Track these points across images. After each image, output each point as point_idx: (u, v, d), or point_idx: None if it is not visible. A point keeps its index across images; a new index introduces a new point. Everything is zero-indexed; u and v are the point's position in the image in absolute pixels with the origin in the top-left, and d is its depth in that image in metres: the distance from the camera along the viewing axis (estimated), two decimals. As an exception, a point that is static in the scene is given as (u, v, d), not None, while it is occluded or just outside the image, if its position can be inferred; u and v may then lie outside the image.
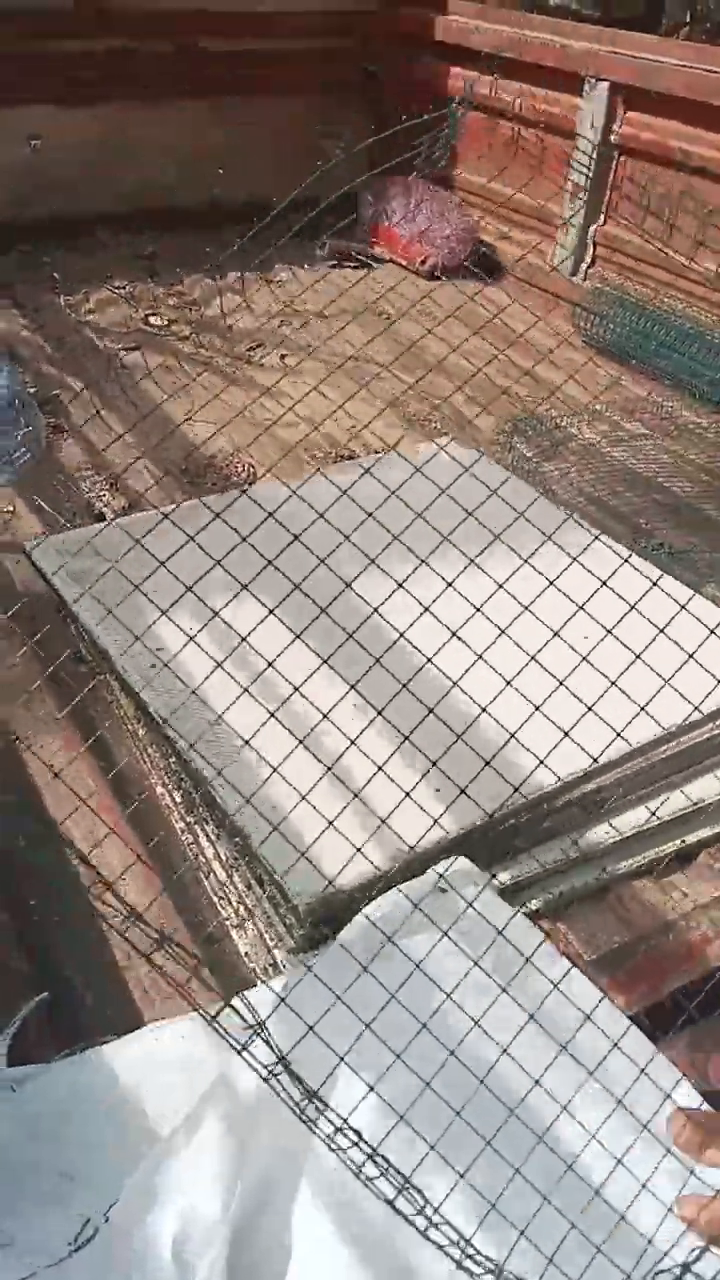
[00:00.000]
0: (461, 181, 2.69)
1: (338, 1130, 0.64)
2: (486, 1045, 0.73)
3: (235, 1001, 0.71)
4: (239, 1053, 0.66)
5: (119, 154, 2.58)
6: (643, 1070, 0.73)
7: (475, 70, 2.55)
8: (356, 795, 0.83)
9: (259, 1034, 0.66)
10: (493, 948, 0.80)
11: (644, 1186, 0.67)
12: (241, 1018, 0.71)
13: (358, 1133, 0.64)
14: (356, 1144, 0.63)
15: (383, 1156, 0.62)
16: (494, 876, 0.91)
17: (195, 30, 2.51)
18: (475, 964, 0.75)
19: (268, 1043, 0.66)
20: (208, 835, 0.96)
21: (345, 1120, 0.64)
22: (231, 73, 2.61)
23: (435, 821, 0.90)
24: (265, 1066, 0.66)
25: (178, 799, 1.01)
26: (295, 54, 2.67)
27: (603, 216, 2.32)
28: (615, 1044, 0.74)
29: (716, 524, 1.57)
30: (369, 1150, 0.63)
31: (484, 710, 0.86)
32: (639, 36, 2.20)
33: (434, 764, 0.81)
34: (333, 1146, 0.64)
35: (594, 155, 2.24)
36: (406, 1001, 0.73)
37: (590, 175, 2.26)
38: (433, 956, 0.77)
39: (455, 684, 0.92)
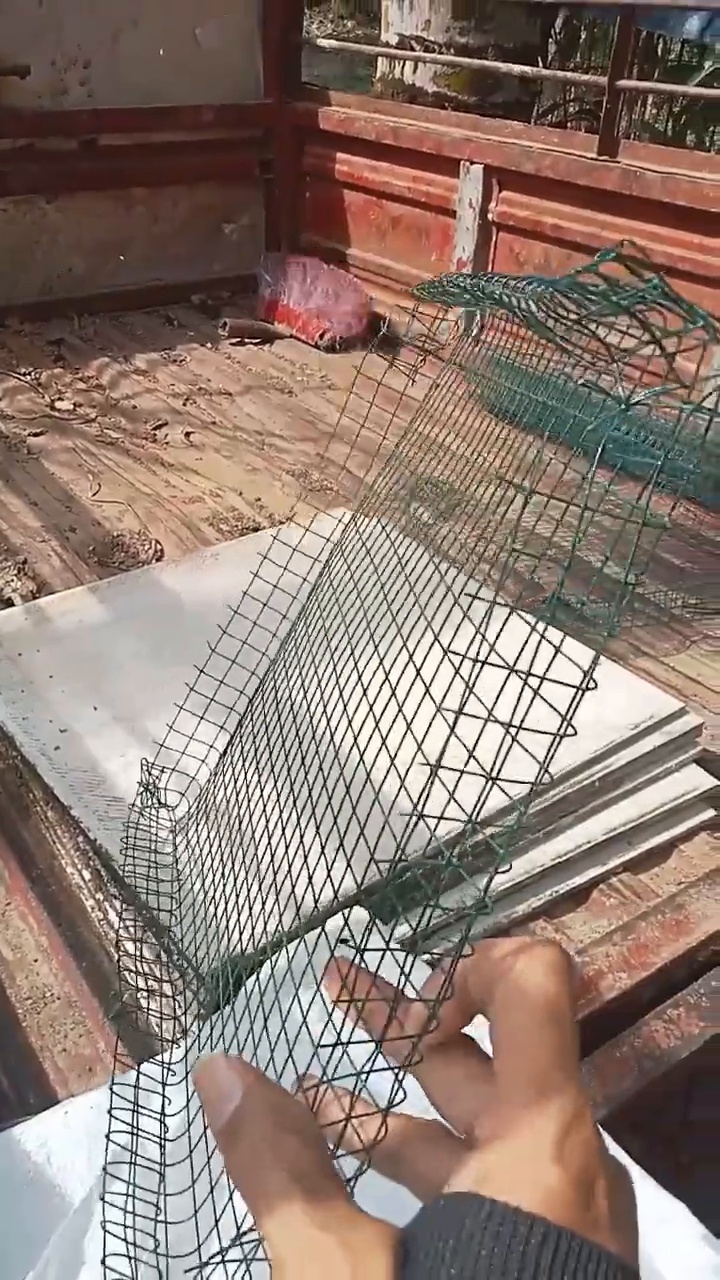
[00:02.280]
0: (353, 259, 2.81)
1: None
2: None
3: (124, 1078, 0.73)
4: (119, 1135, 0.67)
5: (26, 246, 2.66)
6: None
7: (359, 156, 2.68)
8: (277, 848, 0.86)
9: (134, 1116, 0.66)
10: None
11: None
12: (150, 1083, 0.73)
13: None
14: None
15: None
16: (394, 928, 0.95)
17: (95, 127, 2.61)
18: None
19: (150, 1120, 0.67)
20: (115, 910, 0.99)
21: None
22: (132, 165, 2.71)
23: (331, 879, 0.94)
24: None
25: (87, 877, 1.03)
26: (194, 145, 2.78)
27: (487, 288, 2.44)
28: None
29: (603, 574, 1.66)
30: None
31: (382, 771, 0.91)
32: (507, 124, 2.35)
33: (321, 832, 0.85)
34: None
35: (474, 232, 2.37)
36: (304, 1051, 0.76)
37: (472, 250, 2.39)
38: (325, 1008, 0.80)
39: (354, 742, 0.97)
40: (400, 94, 3.01)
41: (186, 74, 2.69)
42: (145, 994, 0.92)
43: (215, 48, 2.73)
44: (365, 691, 1.06)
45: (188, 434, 2.21)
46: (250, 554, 1.60)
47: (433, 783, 0.79)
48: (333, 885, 0.94)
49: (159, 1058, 0.84)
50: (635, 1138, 0.78)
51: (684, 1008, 0.94)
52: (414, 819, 0.85)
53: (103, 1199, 0.68)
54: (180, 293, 2.88)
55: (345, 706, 1.09)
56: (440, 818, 0.42)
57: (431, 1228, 0.22)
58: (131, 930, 0.96)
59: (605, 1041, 0.90)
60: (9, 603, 1.55)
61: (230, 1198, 0.72)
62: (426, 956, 0.94)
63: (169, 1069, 0.80)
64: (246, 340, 2.73)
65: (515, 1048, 0.27)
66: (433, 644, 0.98)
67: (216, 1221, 0.61)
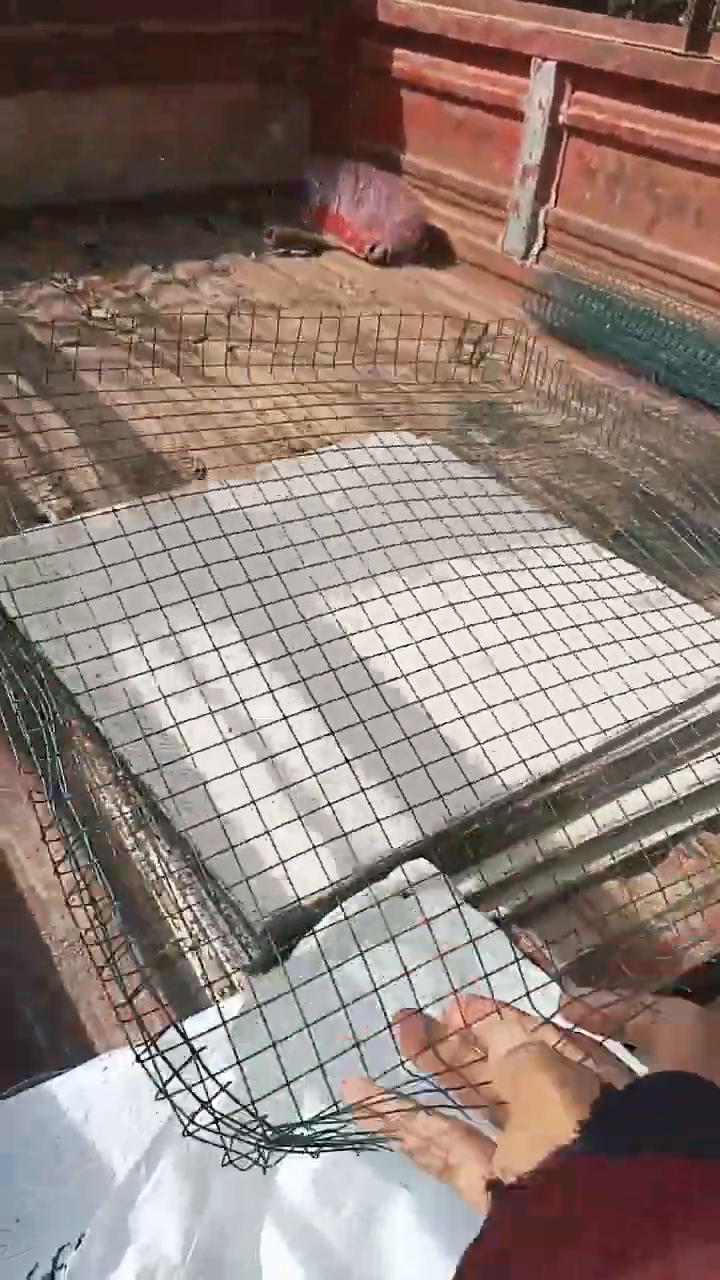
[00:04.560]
0: (408, 165, 2.64)
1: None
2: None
3: (170, 1034, 0.66)
4: (168, 1097, 0.61)
5: (57, 143, 2.51)
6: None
7: (419, 52, 2.51)
8: (327, 803, 0.79)
9: (187, 1078, 0.60)
10: (448, 945, 0.76)
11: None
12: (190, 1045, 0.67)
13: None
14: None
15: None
16: (458, 884, 0.87)
17: (135, 12, 2.44)
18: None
19: (192, 1090, 0.60)
20: (158, 851, 0.92)
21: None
22: (172, 58, 2.54)
23: (385, 832, 0.86)
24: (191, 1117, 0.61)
25: (126, 812, 0.96)
26: (238, 37, 2.61)
27: (553, 199, 2.29)
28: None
29: (674, 507, 1.55)
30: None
31: (452, 720, 0.83)
32: (586, 15, 2.17)
33: (394, 776, 0.77)
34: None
35: (543, 136, 2.21)
36: (367, 1008, 0.69)
37: (539, 157, 2.23)
38: (394, 962, 0.73)
39: (414, 688, 0.89)
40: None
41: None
42: (189, 944, 0.85)
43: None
44: (434, 627, 0.97)
45: (231, 348, 2.09)
46: (302, 471, 1.51)
47: (511, 731, 0.69)
48: (398, 831, 0.86)
49: (204, 1013, 0.77)
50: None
51: (770, 978, 0.87)
52: (498, 769, 0.75)
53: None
54: (221, 197, 2.72)
55: (418, 644, 1.01)
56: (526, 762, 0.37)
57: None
58: (175, 872, 0.90)
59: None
60: (44, 519, 1.47)
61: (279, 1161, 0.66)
62: (500, 910, 0.86)
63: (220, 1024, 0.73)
64: (293, 250, 2.58)
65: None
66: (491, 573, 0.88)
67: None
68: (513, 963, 0.77)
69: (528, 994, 0.70)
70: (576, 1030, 0.41)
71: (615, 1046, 0.42)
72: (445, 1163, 0.39)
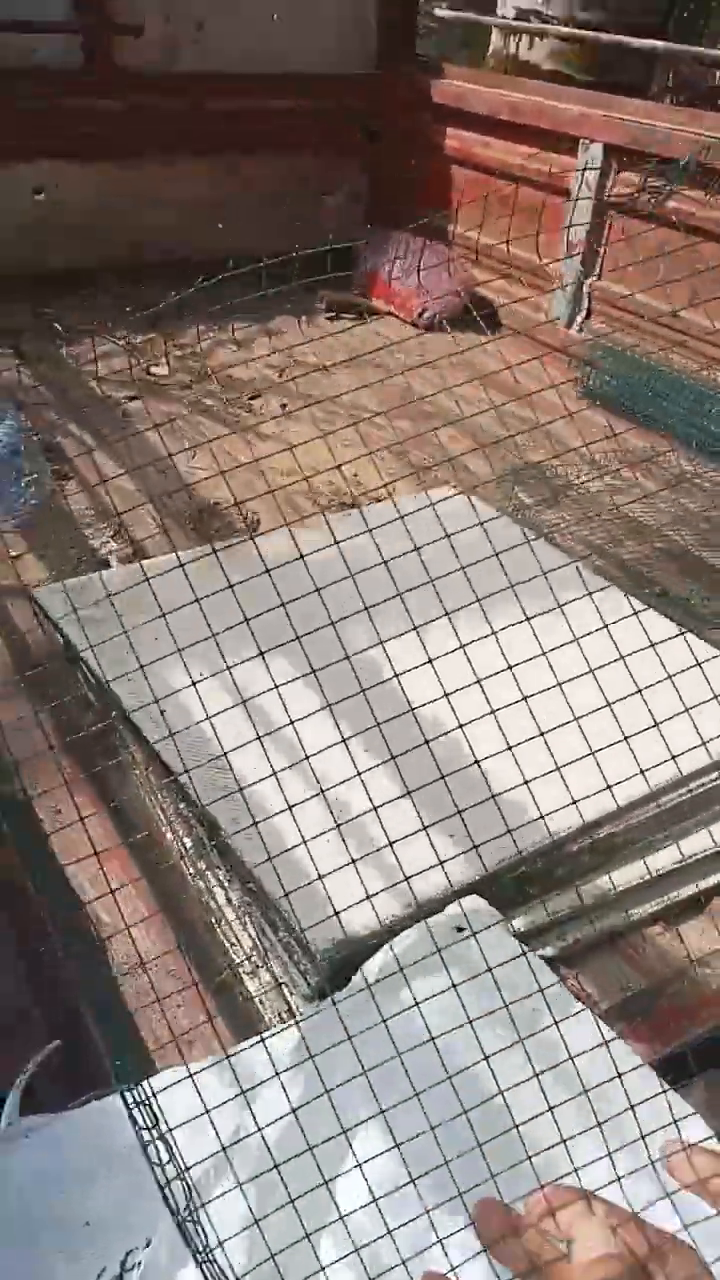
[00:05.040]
0: (458, 237, 2.75)
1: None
2: (507, 1096, 0.72)
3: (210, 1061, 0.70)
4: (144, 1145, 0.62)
5: (125, 209, 2.63)
6: (673, 1120, 0.72)
7: (470, 131, 2.62)
8: (386, 838, 0.83)
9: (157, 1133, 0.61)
10: (507, 989, 0.79)
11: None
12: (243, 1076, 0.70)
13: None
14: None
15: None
16: (508, 922, 0.90)
17: (203, 91, 2.57)
18: (505, 1006, 0.74)
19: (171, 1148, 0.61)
20: (219, 881, 0.96)
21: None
22: (236, 130, 2.67)
23: (444, 870, 0.90)
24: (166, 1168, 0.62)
25: (188, 845, 1.00)
26: (301, 113, 2.73)
27: (598, 272, 2.37)
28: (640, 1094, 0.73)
29: (717, 570, 1.59)
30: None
31: (495, 756, 0.87)
32: (631, 101, 2.26)
33: (459, 811, 0.81)
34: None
35: (588, 212, 2.30)
36: (422, 1049, 0.72)
37: (585, 232, 2.32)
38: (447, 998, 0.76)
39: (464, 732, 0.93)
40: (514, 71, 2.94)
41: (300, 40, 2.65)
42: (249, 970, 0.89)
43: (330, 15, 2.68)
44: (478, 680, 1.01)
45: (283, 405, 2.18)
46: (353, 527, 1.57)
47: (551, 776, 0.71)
48: (446, 875, 0.90)
49: (258, 1045, 0.80)
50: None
51: None
52: (547, 813, 0.78)
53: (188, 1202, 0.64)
54: (277, 263, 2.83)
55: (468, 693, 1.05)
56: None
57: None
58: (236, 903, 0.93)
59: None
60: (106, 564, 1.53)
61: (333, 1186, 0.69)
62: (546, 951, 0.89)
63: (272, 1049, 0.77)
64: (343, 315, 2.68)
65: None
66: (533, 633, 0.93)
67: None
68: (577, 1012, 0.80)
69: (601, 1045, 0.73)
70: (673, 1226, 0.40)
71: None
72: None
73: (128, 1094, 0.72)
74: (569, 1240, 0.39)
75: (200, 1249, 0.55)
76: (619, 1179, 0.66)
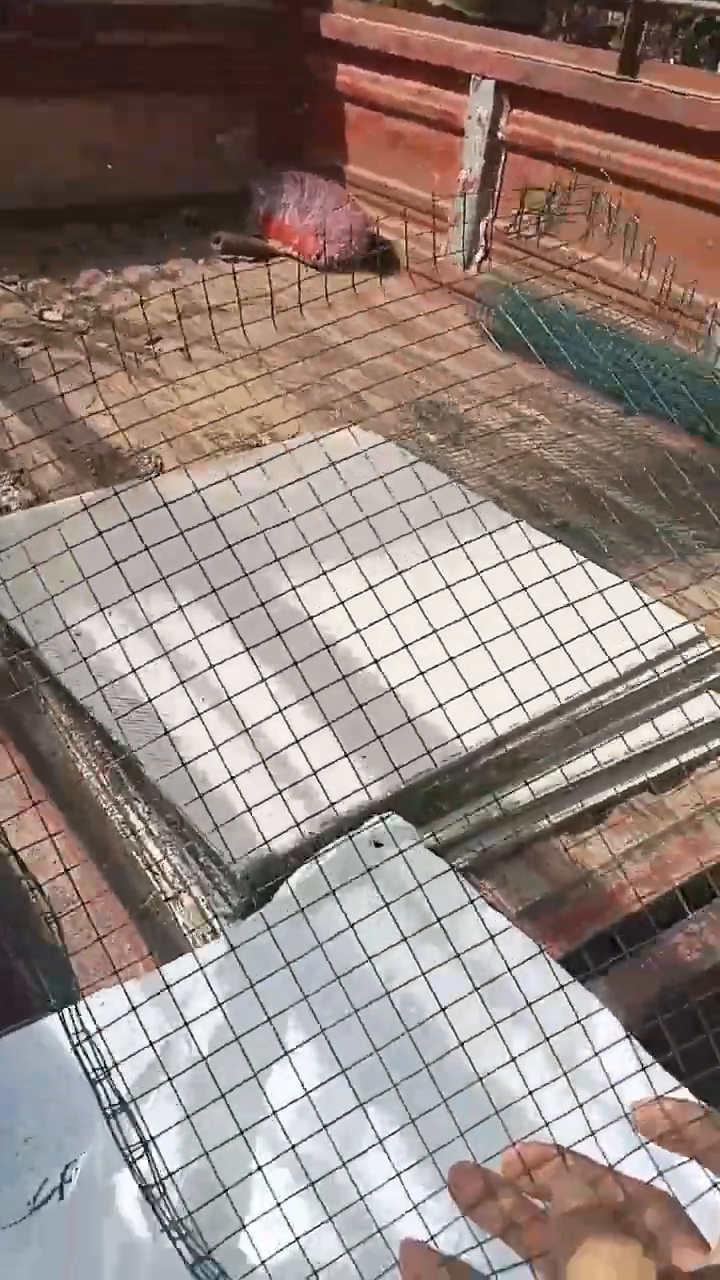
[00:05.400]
0: (352, 176, 2.73)
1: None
2: (426, 999, 0.76)
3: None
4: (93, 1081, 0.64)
5: (13, 150, 2.54)
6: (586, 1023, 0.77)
7: (361, 67, 2.59)
8: (289, 748, 0.85)
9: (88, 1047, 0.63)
10: (423, 901, 0.83)
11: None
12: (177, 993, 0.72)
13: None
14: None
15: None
16: (423, 837, 0.94)
17: (93, 25, 2.48)
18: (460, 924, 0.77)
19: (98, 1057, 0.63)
20: (138, 813, 0.97)
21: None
22: (129, 69, 2.59)
23: (357, 787, 0.93)
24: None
25: (105, 780, 1.01)
26: (192, 50, 2.66)
27: (493, 211, 2.39)
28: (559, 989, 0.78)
29: (614, 504, 1.64)
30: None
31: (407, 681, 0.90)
32: (524, 38, 2.27)
33: (376, 737, 0.84)
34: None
35: (483, 151, 2.30)
36: (343, 956, 0.76)
37: (480, 170, 2.32)
38: (368, 909, 0.79)
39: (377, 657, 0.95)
40: (406, 7, 2.90)
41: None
42: (171, 896, 0.91)
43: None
44: (388, 607, 1.04)
45: (182, 349, 2.14)
46: (257, 465, 1.57)
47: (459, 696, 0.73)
48: (366, 787, 0.93)
49: (188, 956, 0.83)
50: (662, 1050, 0.79)
51: (705, 922, 0.95)
52: (457, 729, 0.82)
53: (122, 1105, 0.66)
54: (171, 205, 2.78)
55: (379, 622, 1.08)
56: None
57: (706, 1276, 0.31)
58: (155, 831, 0.95)
59: (630, 953, 0.90)
60: (7, 510, 1.51)
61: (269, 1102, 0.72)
62: (458, 863, 0.93)
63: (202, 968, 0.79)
64: (240, 257, 2.64)
65: None
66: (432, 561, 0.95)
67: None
68: (469, 903, 0.84)
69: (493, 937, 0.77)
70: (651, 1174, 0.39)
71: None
72: None
73: (58, 1009, 0.73)
74: (545, 1197, 0.39)
75: (127, 1145, 0.58)
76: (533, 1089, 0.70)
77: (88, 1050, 0.57)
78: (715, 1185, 0.38)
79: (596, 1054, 0.72)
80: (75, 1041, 0.57)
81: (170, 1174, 0.63)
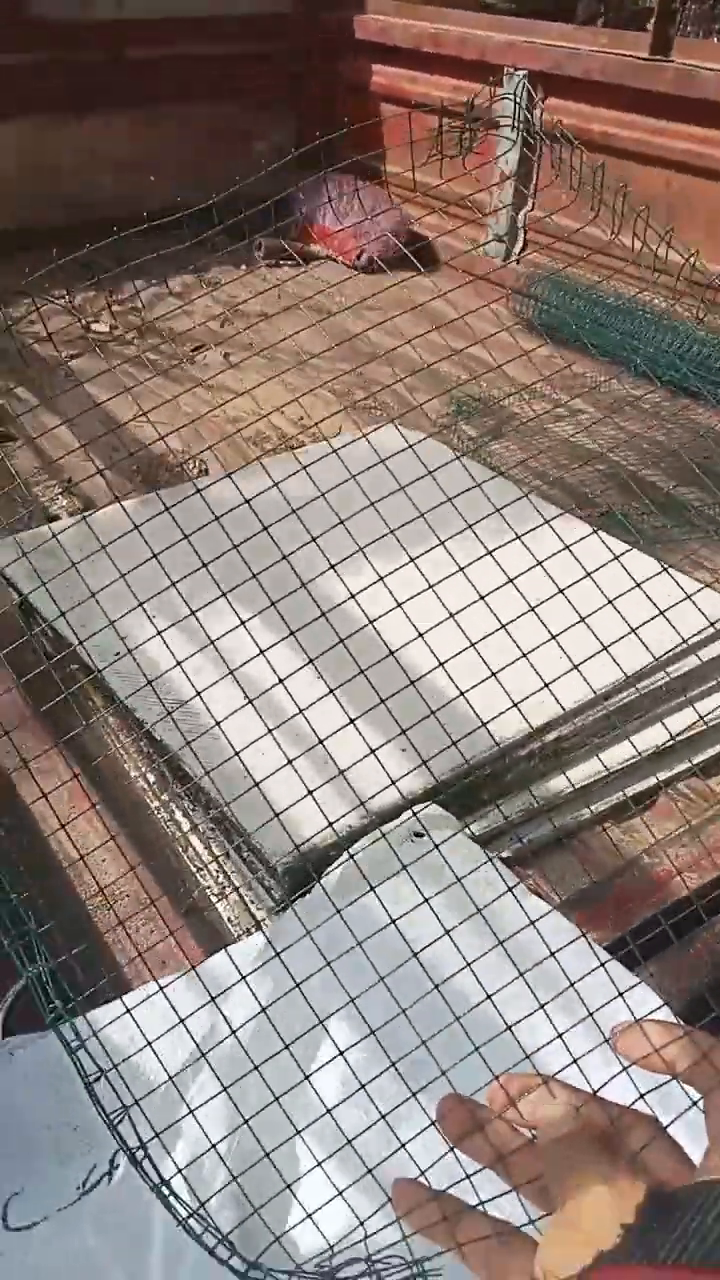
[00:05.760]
0: (391, 176, 2.73)
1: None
2: (470, 986, 0.76)
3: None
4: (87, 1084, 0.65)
5: (53, 165, 2.60)
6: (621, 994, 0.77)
7: (396, 67, 2.59)
8: (319, 742, 0.86)
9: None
10: (466, 891, 0.83)
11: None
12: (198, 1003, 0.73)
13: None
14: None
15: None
16: (465, 828, 0.94)
17: (122, 39, 2.53)
18: (480, 909, 0.78)
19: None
20: (184, 810, 0.99)
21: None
22: (159, 79, 2.63)
23: (397, 779, 0.93)
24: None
25: (151, 779, 1.03)
26: (224, 59, 2.70)
27: (531, 201, 2.37)
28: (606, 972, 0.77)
29: (657, 488, 1.62)
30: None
31: (440, 666, 0.90)
32: (554, 25, 2.25)
33: (406, 728, 0.84)
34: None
35: (517, 142, 2.29)
36: (385, 946, 0.76)
37: (515, 162, 2.31)
38: (408, 901, 0.80)
39: (427, 643, 0.96)
40: (435, 2, 2.90)
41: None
42: (217, 893, 0.92)
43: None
44: (435, 600, 1.05)
45: (226, 355, 2.17)
46: (300, 466, 1.59)
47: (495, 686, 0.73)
48: (406, 779, 0.93)
49: (231, 948, 0.84)
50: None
51: (754, 908, 0.94)
52: (496, 717, 0.82)
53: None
54: (211, 213, 2.81)
55: (422, 614, 1.09)
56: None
57: (695, 1190, 0.32)
58: (200, 829, 0.97)
59: (678, 940, 0.90)
60: (56, 519, 1.54)
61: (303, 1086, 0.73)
62: (503, 854, 0.93)
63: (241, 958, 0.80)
64: (282, 262, 2.67)
65: None
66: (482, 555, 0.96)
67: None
68: (506, 891, 0.84)
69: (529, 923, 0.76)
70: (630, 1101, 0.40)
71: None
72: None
73: (57, 1018, 0.75)
74: (533, 1126, 0.40)
75: (130, 1148, 0.59)
76: (574, 1061, 0.70)
77: (82, 1058, 0.59)
78: (695, 1104, 0.38)
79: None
80: (71, 1049, 0.58)
81: (179, 1168, 0.64)
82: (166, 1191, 0.58)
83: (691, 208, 2.02)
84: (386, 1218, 0.58)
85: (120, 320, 2.31)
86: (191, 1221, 0.57)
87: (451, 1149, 0.42)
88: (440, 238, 2.60)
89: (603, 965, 0.76)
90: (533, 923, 0.82)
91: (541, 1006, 0.72)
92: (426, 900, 0.82)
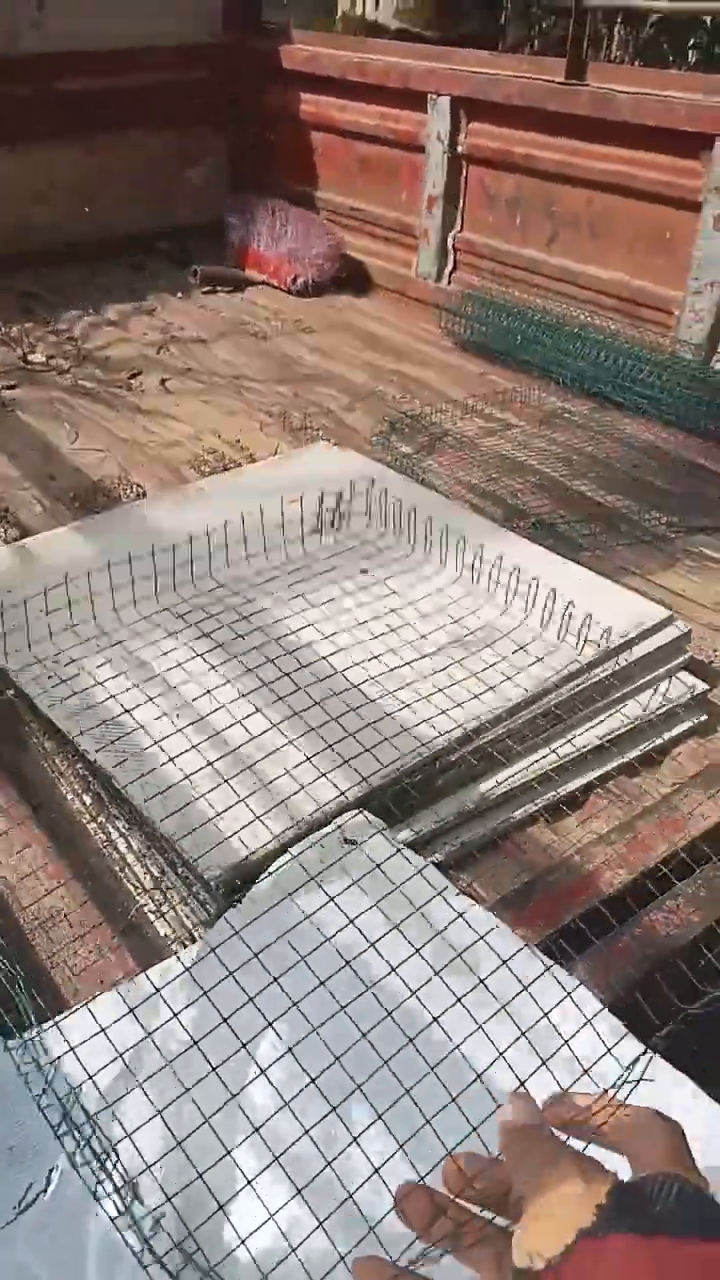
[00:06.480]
0: (323, 201, 2.77)
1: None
2: (398, 987, 0.77)
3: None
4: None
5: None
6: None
7: (324, 95, 2.64)
8: (258, 761, 0.87)
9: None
10: (397, 895, 0.85)
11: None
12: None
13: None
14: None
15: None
16: (395, 835, 0.96)
17: (47, 72, 2.55)
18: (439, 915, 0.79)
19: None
20: (119, 830, 0.99)
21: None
22: (90, 111, 2.66)
23: (326, 789, 0.95)
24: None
25: (88, 801, 1.04)
26: (154, 88, 2.73)
27: (459, 224, 2.42)
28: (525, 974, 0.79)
29: (587, 498, 1.66)
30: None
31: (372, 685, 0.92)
32: (473, 53, 2.31)
33: (340, 737, 0.86)
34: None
35: (444, 166, 2.34)
36: (319, 953, 0.78)
37: (443, 186, 2.36)
38: (338, 905, 0.81)
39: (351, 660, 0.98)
40: (364, 33, 2.96)
41: (142, 13, 2.64)
42: (154, 910, 0.93)
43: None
44: (360, 617, 1.07)
45: (163, 381, 2.19)
46: (233, 487, 1.60)
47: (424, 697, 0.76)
48: (336, 788, 0.95)
49: (166, 962, 0.85)
50: (643, 1022, 0.80)
51: (681, 899, 0.96)
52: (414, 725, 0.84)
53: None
54: (147, 241, 2.84)
55: (347, 631, 1.10)
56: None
57: (647, 1179, 0.38)
58: (136, 847, 0.97)
59: (608, 935, 0.92)
60: (-8, 548, 1.54)
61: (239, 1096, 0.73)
62: (435, 857, 0.95)
63: (181, 970, 0.81)
64: (218, 288, 2.70)
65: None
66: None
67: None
68: (448, 892, 0.86)
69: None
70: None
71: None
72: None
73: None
74: (491, 1203, 0.43)
75: (70, 1150, 0.60)
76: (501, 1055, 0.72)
77: (32, 1078, 0.59)
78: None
79: (546, 1014, 0.74)
80: (20, 1070, 0.59)
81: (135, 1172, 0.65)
82: (108, 1190, 0.59)
83: (612, 226, 2.08)
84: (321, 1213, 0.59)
85: (57, 350, 2.32)
86: (122, 1223, 0.58)
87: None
88: (373, 262, 2.65)
89: (545, 970, 0.78)
90: (461, 915, 0.84)
91: (459, 1000, 0.74)
92: (345, 912, 0.84)
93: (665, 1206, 0.36)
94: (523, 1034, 0.71)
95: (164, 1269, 0.59)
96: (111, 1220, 0.59)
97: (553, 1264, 0.36)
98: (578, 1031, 0.74)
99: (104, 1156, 0.62)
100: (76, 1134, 0.62)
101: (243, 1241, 0.64)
